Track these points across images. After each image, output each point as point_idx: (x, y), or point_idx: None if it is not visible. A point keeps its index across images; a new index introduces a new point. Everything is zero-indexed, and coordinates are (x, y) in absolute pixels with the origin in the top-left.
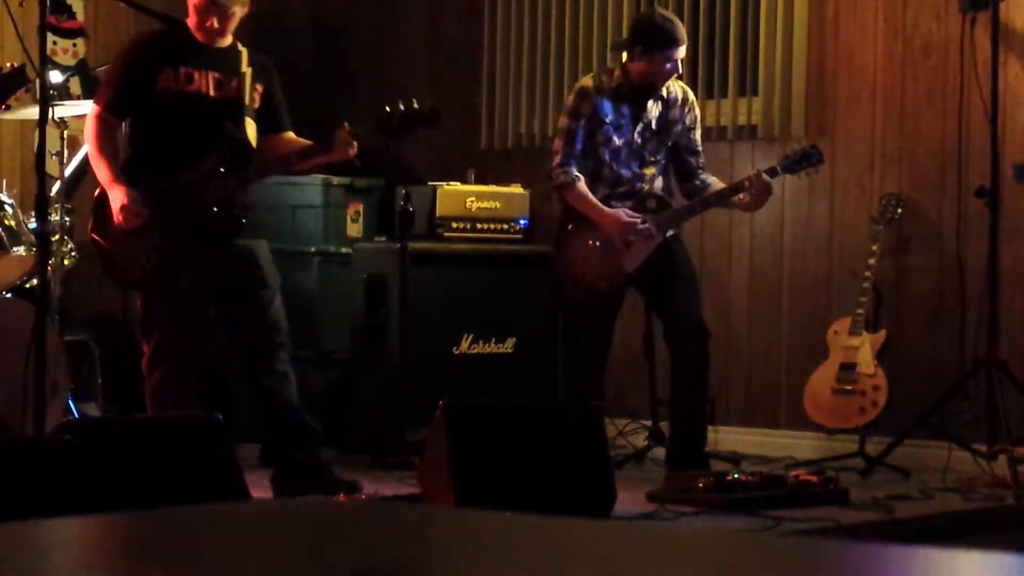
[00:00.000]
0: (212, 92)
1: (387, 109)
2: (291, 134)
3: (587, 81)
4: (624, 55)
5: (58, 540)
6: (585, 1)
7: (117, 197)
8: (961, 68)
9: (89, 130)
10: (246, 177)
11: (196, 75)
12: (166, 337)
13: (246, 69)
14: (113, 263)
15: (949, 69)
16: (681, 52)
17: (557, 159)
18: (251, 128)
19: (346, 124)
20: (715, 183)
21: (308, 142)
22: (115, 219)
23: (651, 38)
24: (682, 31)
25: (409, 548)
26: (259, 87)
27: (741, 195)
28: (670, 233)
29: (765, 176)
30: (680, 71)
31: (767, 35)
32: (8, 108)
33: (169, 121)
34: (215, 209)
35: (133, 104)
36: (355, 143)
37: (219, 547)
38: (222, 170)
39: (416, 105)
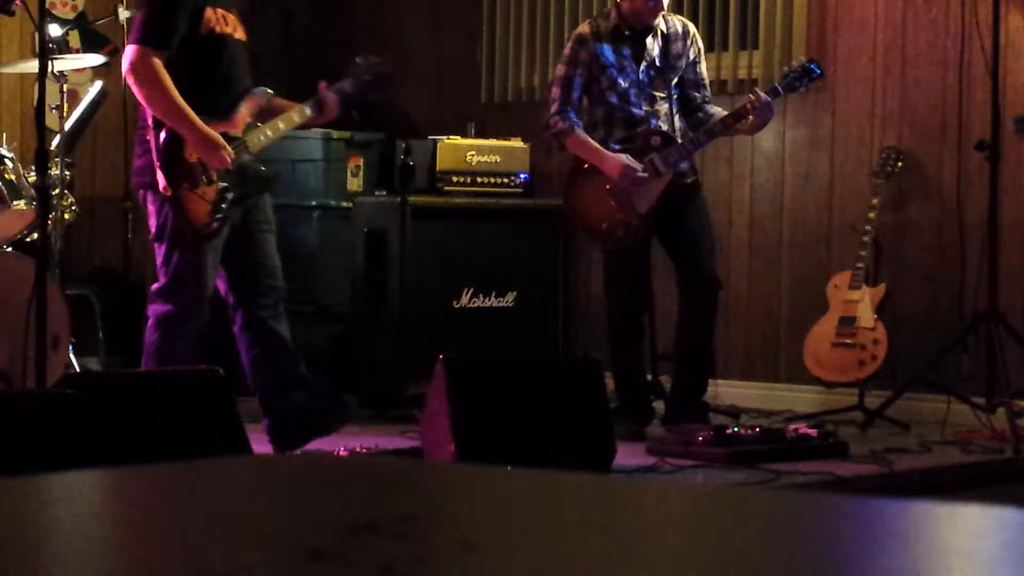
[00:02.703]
0: (236, 34)
1: (357, 61)
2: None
3: (584, 27)
4: None
5: (59, 495)
6: None
7: (214, 138)
8: (962, 21)
9: (153, 76)
10: (277, 128)
11: (226, 17)
12: (190, 300)
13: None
14: (194, 213)
15: (950, 22)
16: None
17: (554, 107)
18: None
19: (322, 83)
20: (719, 113)
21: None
22: (214, 159)
23: None
24: None
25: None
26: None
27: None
28: (692, 178)
29: (765, 96)
30: (664, 5)
31: None
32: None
33: (214, 65)
34: (255, 161)
35: (182, 43)
36: (339, 99)
37: (218, 503)
38: (255, 121)
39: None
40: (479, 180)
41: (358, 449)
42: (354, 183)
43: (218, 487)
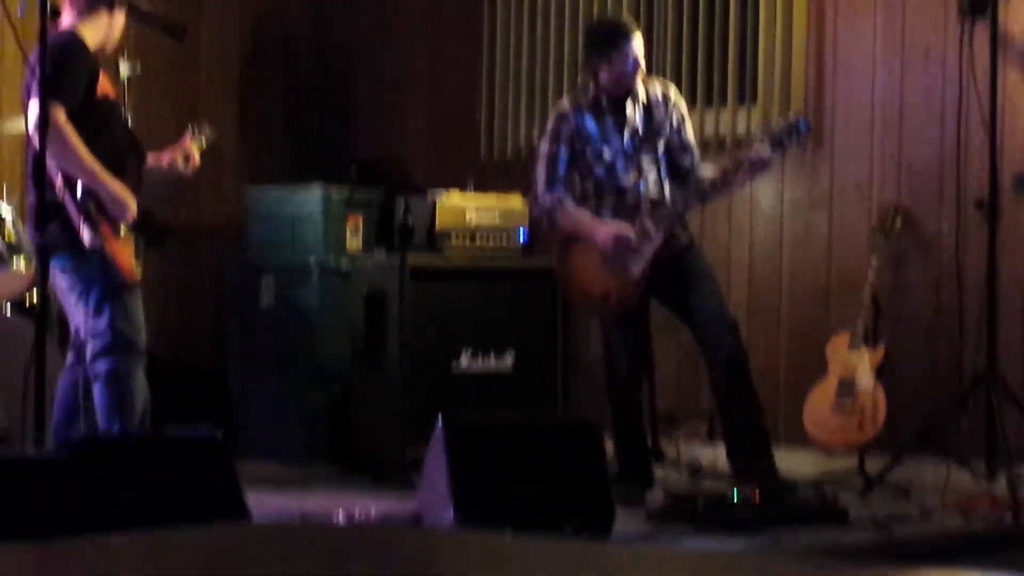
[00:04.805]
0: (114, 95)
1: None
2: None
3: (564, 103)
4: (590, 71)
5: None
6: (584, 11)
7: (122, 189)
8: (960, 77)
9: (67, 134)
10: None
11: (110, 80)
12: (132, 349)
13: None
14: (122, 262)
15: (947, 78)
16: (635, 45)
17: (541, 184)
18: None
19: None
20: (711, 174)
21: None
22: (124, 212)
23: (599, 41)
24: (629, 24)
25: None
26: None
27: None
28: (685, 238)
29: (754, 154)
30: (642, 65)
31: (766, 43)
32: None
33: (107, 124)
34: (151, 213)
35: (82, 102)
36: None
37: (217, 574)
38: (139, 177)
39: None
40: (478, 237)
41: (356, 514)
42: (353, 242)
43: (215, 559)
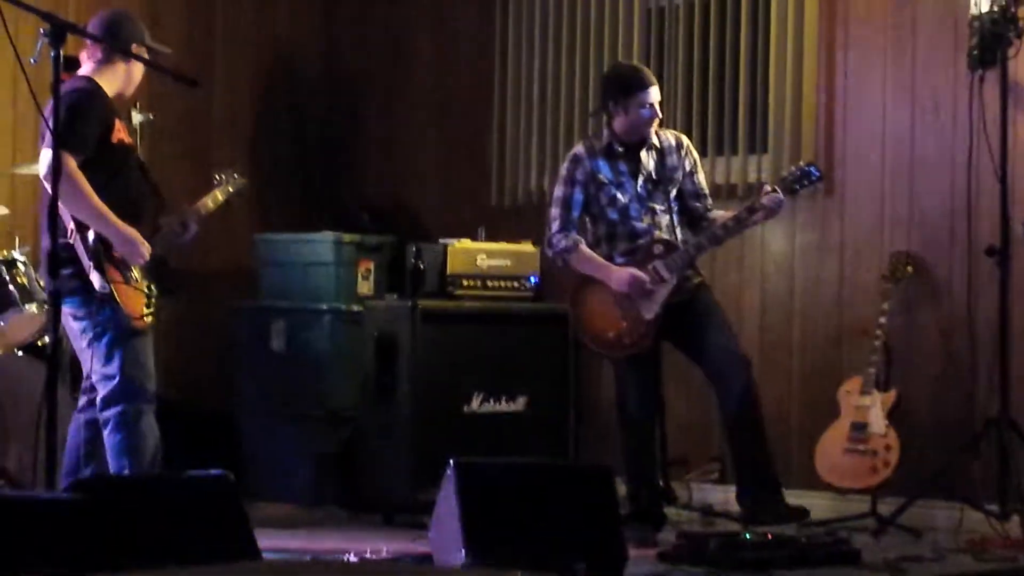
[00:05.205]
0: (132, 144)
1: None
2: None
3: (579, 147)
4: (604, 117)
5: None
6: (594, 58)
7: (134, 234)
8: (970, 126)
9: (78, 180)
10: (178, 235)
11: (127, 128)
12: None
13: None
14: (131, 307)
15: (958, 127)
16: (653, 95)
17: (555, 226)
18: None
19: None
20: (722, 217)
21: None
22: (135, 255)
23: (617, 89)
24: (647, 74)
25: None
26: None
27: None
28: (697, 280)
29: (777, 196)
30: (659, 114)
31: (776, 93)
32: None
33: (123, 171)
34: (166, 260)
35: (96, 150)
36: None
37: None
38: (156, 226)
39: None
40: (489, 284)
41: (368, 555)
42: (365, 286)
43: None
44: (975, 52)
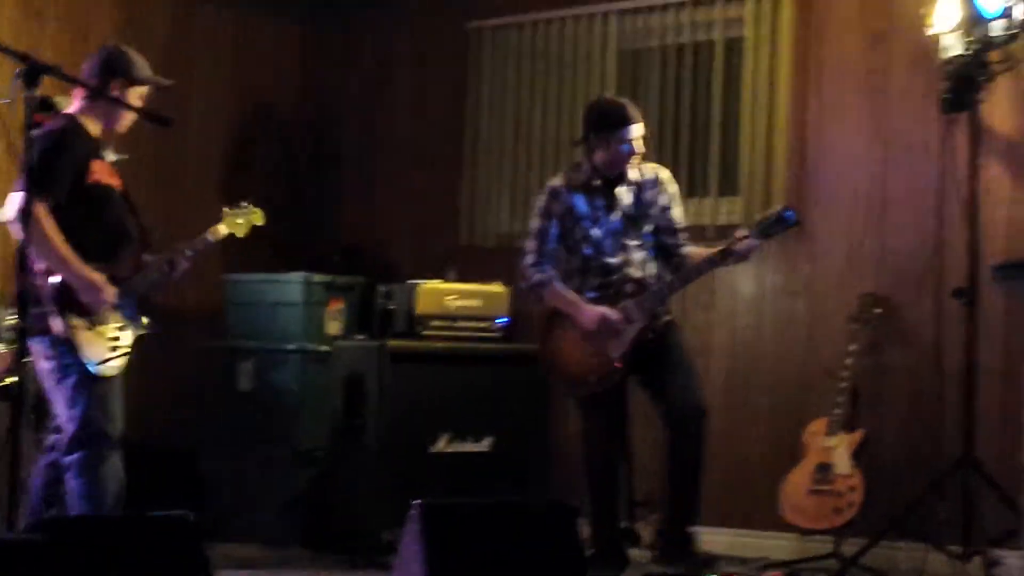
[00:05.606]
0: (116, 184)
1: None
2: None
3: (557, 180)
4: (585, 148)
5: None
6: (567, 99)
7: (97, 280)
8: (940, 168)
9: (43, 224)
10: (164, 273)
11: (108, 168)
12: (104, 438)
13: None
14: (92, 351)
15: (928, 169)
16: (635, 131)
17: (530, 259)
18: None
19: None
20: (695, 254)
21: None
22: (98, 301)
23: (600, 122)
24: (632, 110)
25: None
26: None
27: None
28: (666, 318)
29: (752, 241)
30: (640, 150)
31: (749, 135)
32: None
33: (101, 212)
34: (147, 299)
35: (70, 192)
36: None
37: None
38: (138, 265)
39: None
40: (459, 324)
41: None
42: (334, 327)
43: None
44: (947, 96)
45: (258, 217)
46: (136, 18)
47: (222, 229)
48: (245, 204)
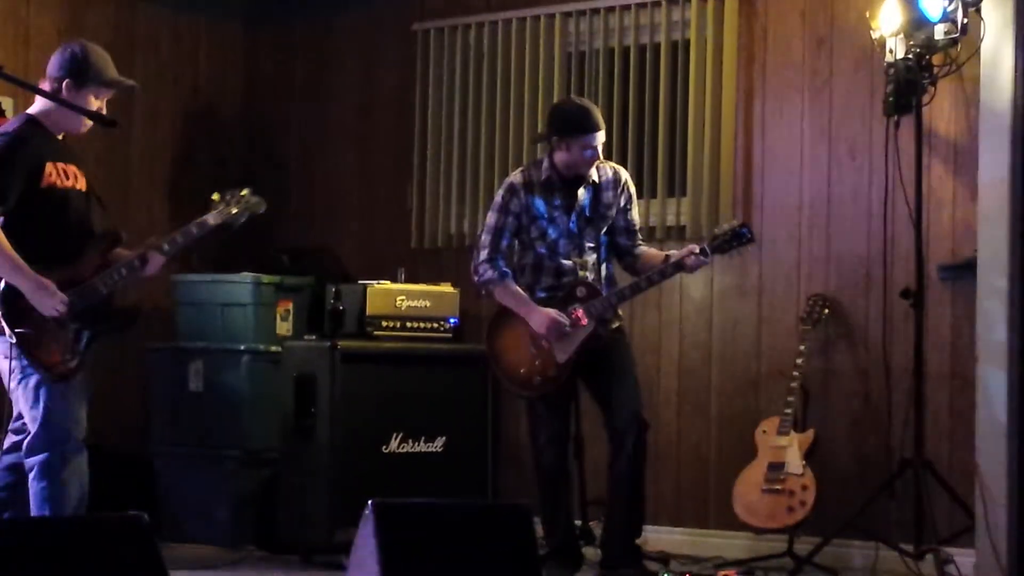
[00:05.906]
0: (78, 185)
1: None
2: None
3: (516, 176)
4: (546, 146)
5: None
6: (515, 101)
7: (43, 286)
8: (886, 171)
9: None
10: (134, 269)
11: (66, 170)
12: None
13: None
14: (44, 355)
15: (874, 171)
16: (598, 139)
17: (484, 254)
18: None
19: (153, 239)
20: (648, 255)
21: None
22: (48, 311)
23: (564, 126)
24: (596, 116)
25: None
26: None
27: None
28: (616, 324)
29: (702, 259)
30: (600, 156)
31: (695, 137)
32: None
33: (57, 216)
34: (108, 299)
35: (23, 197)
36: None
37: None
38: (104, 264)
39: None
40: (409, 325)
41: None
42: (283, 327)
43: None
44: (891, 99)
45: (258, 205)
46: (78, 19)
47: (211, 220)
48: (243, 192)
